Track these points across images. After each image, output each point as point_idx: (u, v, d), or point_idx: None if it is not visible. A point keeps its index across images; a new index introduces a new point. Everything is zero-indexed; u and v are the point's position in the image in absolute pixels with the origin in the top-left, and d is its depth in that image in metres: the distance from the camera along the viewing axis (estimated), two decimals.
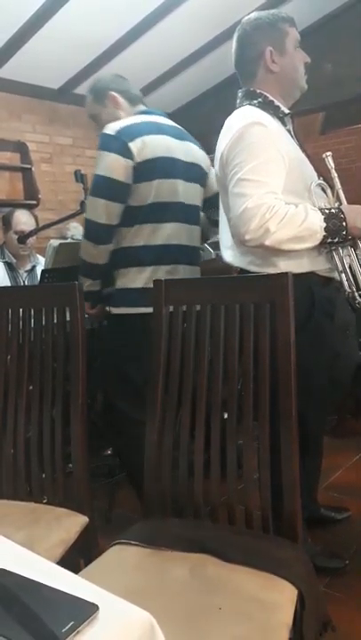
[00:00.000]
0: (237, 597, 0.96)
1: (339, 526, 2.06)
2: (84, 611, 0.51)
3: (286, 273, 1.11)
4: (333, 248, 1.63)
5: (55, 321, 1.35)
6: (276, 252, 1.59)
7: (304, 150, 1.78)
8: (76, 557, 1.21)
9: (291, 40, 1.70)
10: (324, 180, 1.73)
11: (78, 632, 0.50)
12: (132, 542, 1.11)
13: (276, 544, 1.09)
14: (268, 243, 1.53)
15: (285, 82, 1.71)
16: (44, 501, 1.33)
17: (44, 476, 1.35)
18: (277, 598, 0.96)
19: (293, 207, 1.54)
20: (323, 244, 1.58)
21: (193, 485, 1.20)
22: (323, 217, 1.56)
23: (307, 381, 1.62)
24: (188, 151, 2.07)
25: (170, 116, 2.16)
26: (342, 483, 2.43)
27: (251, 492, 1.14)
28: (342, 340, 1.76)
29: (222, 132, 1.68)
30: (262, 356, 1.14)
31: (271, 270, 1.62)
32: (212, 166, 1.95)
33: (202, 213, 2.19)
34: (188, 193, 2.03)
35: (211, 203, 2.13)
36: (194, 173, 2.07)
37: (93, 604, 0.53)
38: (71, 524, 1.23)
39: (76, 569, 1.08)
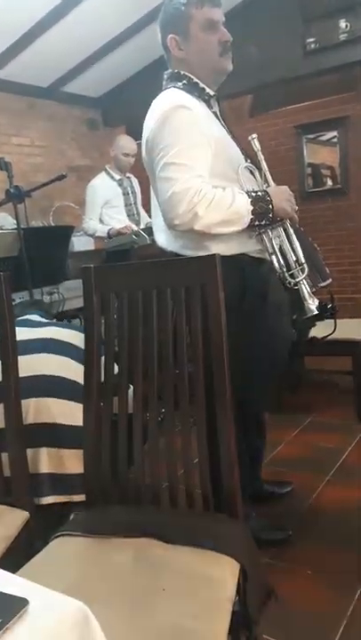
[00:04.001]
0: (181, 577, 0.97)
1: (282, 500, 2.13)
2: (13, 606, 0.50)
3: (214, 255, 1.12)
4: (263, 230, 1.66)
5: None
6: (208, 235, 1.60)
7: (232, 133, 1.78)
8: (19, 553, 1.19)
9: (196, 23, 1.64)
10: (252, 162, 1.75)
11: (7, 629, 0.49)
12: (74, 533, 1.10)
13: (217, 521, 1.11)
14: (197, 227, 1.54)
15: (197, 66, 1.68)
16: None
17: None
18: (220, 574, 0.98)
19: (221, 191, 1.55)
20: (251, 226, 1.60)
21: (134, 472, 1.20)
22: (250, 200, 1.58)
23: (244, 361, 1.65)
24: None
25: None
26: (284, 457, 2.51)
27: (191, 473, 1.16)
28: (277, 319, 1.80)
29: (147, 115, 1.67)
30: (195, 339, 1.15)
31: (203, 253, 1.62)
32: None
33: None
34: None
35: None
36: None
37: (22, 599, 0.52)
38: (11, 520, 1.20)
39: (18, 565, 1.06)
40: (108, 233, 3.54)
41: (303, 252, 1.75)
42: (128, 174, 3.80)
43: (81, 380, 1.26)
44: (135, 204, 3.80)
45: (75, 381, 1.55)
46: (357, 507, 2.03)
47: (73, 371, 1.58)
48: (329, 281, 2.18)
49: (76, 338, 1.70)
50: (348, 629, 1.46)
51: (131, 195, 3.77)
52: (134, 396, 1.21)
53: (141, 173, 1.99)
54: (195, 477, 1.16)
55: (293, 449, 2.59)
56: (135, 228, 3.44)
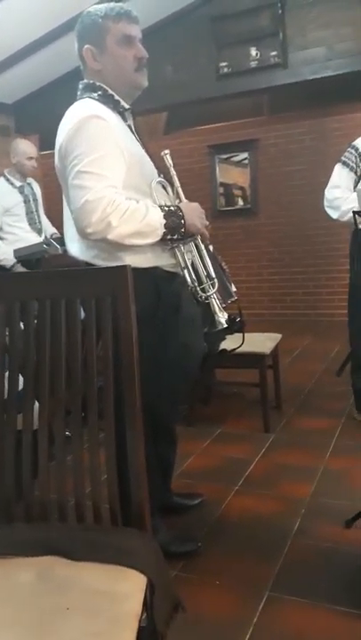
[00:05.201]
0: (86, 594, 0.94)
1: (191, 511, 2.15)
2: None
3: (125, 265, 1.12)
4: (175, 245, 1.69)
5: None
6: (121, 246, 1.60)
7: (145, 147, 1.80)
8: None
9: (113, 37, 1.66)
10: (165, 177, 1.78)
11: None
12: None
13: (124, 535, 1.10)
14: (110, 237, 1.54)
15: (112, 79, 1.69)
16: None
17: None
18: (126, 589, 0.96)
19: (135, 203, 1.57)
20: (163, 240, 1.63)
21: (38, 488, 1.16)
22: (163, 214, 1.61)
23: (156, 373, 1.66)
24: None
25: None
26: (194, 468, 2.54)
27: (99, 488, 1.14)
28: (189, 333, 1.83)
29: (61, 123, 1.65)
30: (106, 351, 1.13)
31: (117, 264, 1.62)
32: None
33: None
34: None
35: None
36: None
37: None
38: None
39: None
40: None
41: (214, 270, 1.81)
42: (29, 180, 3.71)
43: None
44: (37, 211, 3.71)
45: None
46: (264, 516, 2.09)
47: None
48: (234, 298, 2.27)
49: None
50: (254, 636, 1.49)
51: (32, 202, 3.67)
52: (40, 412, 1.17)
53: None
54: (103, 492, 1.14)
55: (203, 460, 2.62)
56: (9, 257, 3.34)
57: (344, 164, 2.89)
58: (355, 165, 2.85)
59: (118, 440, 1.14)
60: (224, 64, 4.46)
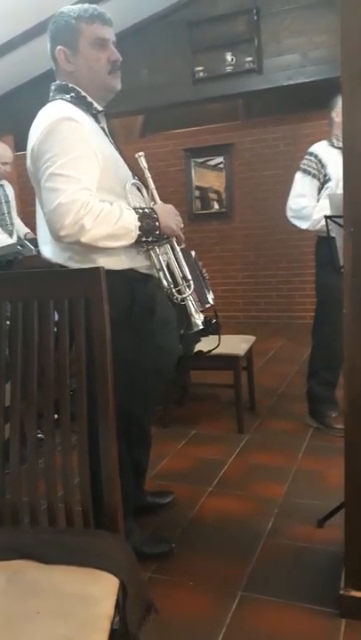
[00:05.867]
0: (57, 598, 0.94)
1: (165, 512, 2.16)
2: None
3: (98, 267, 1.12)
4: (150, 247, 1.69)
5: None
6: (95, 248, 1.60)
7: (120, 150, 1.80)
8: None
9: (86, 39, 1.65)
10: (140, 179, 1.78)
11: None
12: None
13: (96, 538, 1.10)
14: (83, 240, 1.53)
15: (84, 81, 1.68)
16: None
17: None
18: (98, 591, 0.96)
19: (108, 205, 1.56)
20: (138, 242, 1.63)
21: (9, 491, 1.15)
22: (137, 216, 1.61)
23: (131, 375, 1.66)
24: None
25: None
26: (168, 470, 2.54)
27: (72, 490, 1.13)
28: (164, 335, 1.83)
29: (33, 125, 1.64)
30: (79, 353, 1.13)
31: (90, 266, 1.62)
32: None
33: None
34: None
35: None
36: None
37: None
38: None
39: None
40: None
41: (191, 273, 1.82)
42: (2, 181, 3.68)
43: None
44: (9, 213, 3.68)
45: None
46: (238, 516, 2.11)
47: None
48: (211, 304, 2.29)
49: None
50: (226, 636, 1.50)
51: (4, 204, 3.65)
52: (11, 414, 1.16)
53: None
54: (76, 495, 1.13)
55: (178, 462, 2.63)
56: None
57: (305, 171, 2.82)
58: (317, 172, 2.80)
59: (91, 442, 1.14)
60: (200, 68, 4.49)
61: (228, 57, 4.42)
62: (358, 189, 1.37)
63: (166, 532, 2.00)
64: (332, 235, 2.20)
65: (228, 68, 4.44)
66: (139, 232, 1.61)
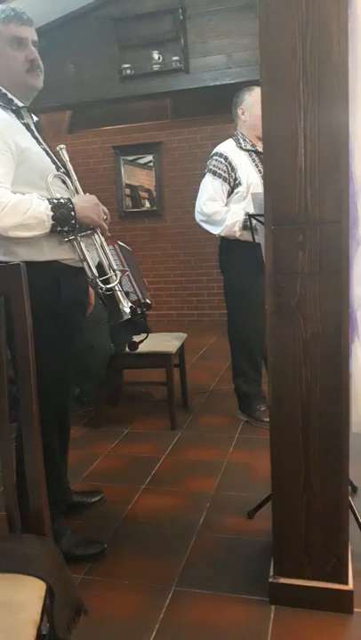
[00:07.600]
0: None
1: (97, 512, 2.13)
2: None
3: (19, 264, 1.09)
4: (72, 237, 1.68)
5: None
6: (14, 239, 1.61)
7: (46, 144, 1.81)
8: None
9: (3, 38, 1.68)
10: (65, 173, 1.77)
11: None
12: None
13: (22, 542, 1.06)
14: None
15: (4, 79, 1.71)
16: None
17: None
18: (23, 597, 0.93)
19: (20, 196, 1.58)
20: (54, 231, 1.63)
21: None
22: (50, 206, 1.61)
23: (56, 368, 1.66)
24: None
25: None
26: (101, 470, 2.51)
27: None
28: (95, 332, 1.82)
29: None
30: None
31: (12, 258, 1.63)
32: None
33: None
34: None
35: None
36: None
37: None
38: None
39: None
40: None
41: (132, 270, 1.82)
42: None
43: None
44: None
45: None
46: (171, 512, 2.12)
47: None
48: (148, 302, 2.28)
49: None
50: (160, 632, 1.50)
51: None
52: None
53: None
54: (1, 498, 1.10)
55: (110, 461, 2.61)
56: None
57: (215, 174, 2.73)
58: (227, 176, 2.72)
59: (20, 443, 1.11)
60: (127, 65, 4.46)
61: (155, 55, 4.42)
62: (277, 188, 1.41)
63: (99, 533, 1.97)
64: (258, 241, 2.20)
65: (156, 67, 4.44)
66: (52, 221, 1.61)
